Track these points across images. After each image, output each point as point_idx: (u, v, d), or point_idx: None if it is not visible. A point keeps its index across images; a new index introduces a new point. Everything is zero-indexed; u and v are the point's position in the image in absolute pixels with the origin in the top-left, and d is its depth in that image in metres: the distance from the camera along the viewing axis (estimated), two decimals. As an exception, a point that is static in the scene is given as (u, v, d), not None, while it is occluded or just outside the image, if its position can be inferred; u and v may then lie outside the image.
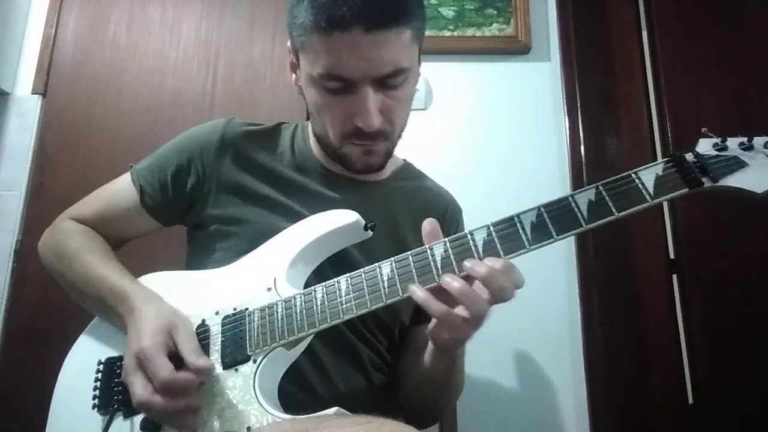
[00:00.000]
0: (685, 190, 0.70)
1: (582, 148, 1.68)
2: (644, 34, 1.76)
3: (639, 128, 1.68)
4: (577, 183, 1.66)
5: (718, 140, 0.73)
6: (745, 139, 0.72)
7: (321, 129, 0.94)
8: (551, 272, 1.63)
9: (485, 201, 1.57)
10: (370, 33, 0.77)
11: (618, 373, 1.53)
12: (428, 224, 0.78)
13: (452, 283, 0.71)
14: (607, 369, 1.53)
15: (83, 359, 0.90)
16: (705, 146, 0.74)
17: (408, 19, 0.81)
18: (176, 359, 0.76)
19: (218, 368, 0.79)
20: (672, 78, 1.68)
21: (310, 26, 0.80)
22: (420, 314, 1.03)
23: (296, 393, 0.83)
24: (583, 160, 1.67)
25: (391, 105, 0.86)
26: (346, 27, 0.77)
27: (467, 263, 0.71)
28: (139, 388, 0.74)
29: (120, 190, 1.03)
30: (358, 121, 0.85)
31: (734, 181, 0.70)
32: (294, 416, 0.71)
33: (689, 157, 0.72)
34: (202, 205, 0.99)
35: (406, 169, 1.13)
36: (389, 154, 0.96)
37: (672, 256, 1.60)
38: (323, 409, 0.69)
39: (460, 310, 0.71)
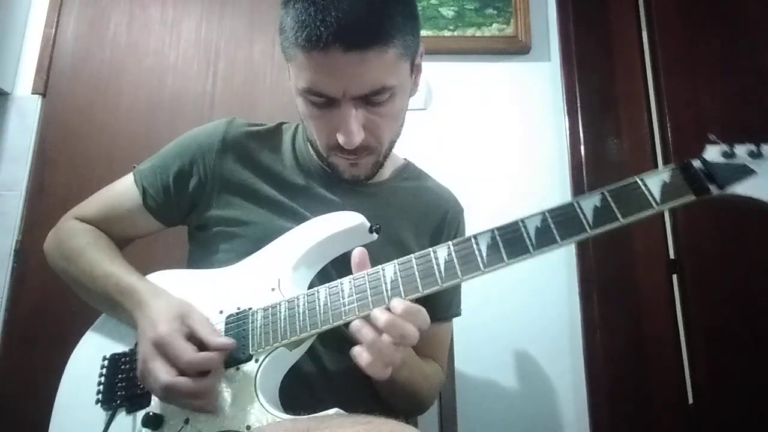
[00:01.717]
0: (692, 198, 0.70)
1: (582, 148, 1.68)
2: (644, 34, 1.76)
3: (639, 128, 1.68)
4: (577, 183, 1.66)
5: (725, 147, 0.72)
6: (753, 147, 0.70)
7: (310, 136, 0.95)
8: (551, 273, 1.64)
9: (485, 201, 1.58)
10: (348, 53, 0.76)
11: (618, 373, 1.53)
12: (357, 255, 0.79)
13: (362, 329, 0.72)
14: (607, 369, 1.53)
15: (88, 355, 0.91)
16: (712, 153, 0.72)
17: (390, 37, 0.79)
18: (193, 344, 0.77)
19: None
20: (672, 78, 1.68)
21: (293, 41, 0.80)
22: None
23: (298, 393, 0.83)
24: (583, 160, 1.67)
25: (376, 121, 0.86)
26: (325, 46, 0.76)
27: (374, 312, 0.72)
28: (163, 373, 0.74)
29: (123, 191, 1.04)
30: (339, 137, 0.85)
31: (742, 188, 0.69)
32: (295, 416, 0.71)
33: (696, 163, 0.71)
34: (204, 206, 1.00)
35: (407, 169, 1.12)
36: (378, 165, 0.96)
37: (672, 256, 1.60)
38: (324, 410, 0.69)
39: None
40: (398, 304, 0.72)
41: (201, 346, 0.76)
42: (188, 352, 0.74)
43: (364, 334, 0.71)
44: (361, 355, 0.72)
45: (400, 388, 0.89)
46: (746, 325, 1.50)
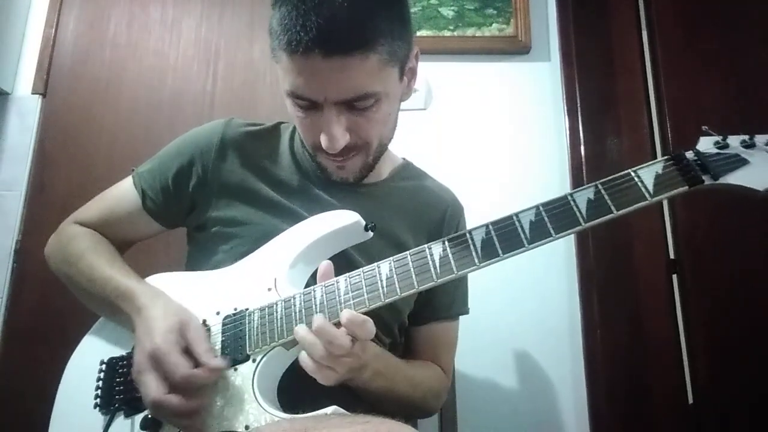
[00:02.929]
0: (685, 188, 0.70)
1: (582, 148, 1.68)
2: (644, 34, 1.76)
3: (639, 128, 1.68)
4: (577, 183, 1.66)
5: (719, 138, 0.73)
6: (746, 137, 0.71)
7: (301, 136, 0.96)
8: (551, 272, 1.63)
9: (485, 201, 1.58)
10: (328, 58, 0.76)
11: (618, 373, 1.53)
12: (322, 267, 0.80)
13: (299, 332, 0.74)
14: (607, 369, 1.53)
15: (86, 359, 0.91)
16: (706, 144, 0.73)
17: (373, 44, 0.78)
18: (188, 358, 0.76)
19: None
20: (672, 78, 1.68)
21: (277, 44, 0.80)
22: (419, 315, 1.03)
23: (296, 392, 0.83)
24: (583, 160, 1.67)
25: (362, 124, 0.86)
26: (305, 51, 0.76)
27: (313, 317, 0.75)
28: (153, 387, 0.74)
29: (122, 194, 1.04)
30: (322, 140, 0.85)
31: (735, 178, 0.69)
32: (293, 415, 0.71)
33: (690, 155, 0.72)
34: (203, 207, 1.00)
35: (406, 168, 1.12)
36: (367, 166, 0.95)
37: (672, 256, 1.60)
38: (322, 408, 0.69)
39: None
40: (345, 313, 0.73)
41: (196, 360, 0.76)
42: (182, 368, 0.74)
43: (302, 337, 0.73)
44: (303, 359, 0.74)
45: (382, 397, 0.88)
46: (746, 325, 1.50)
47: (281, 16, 0.78)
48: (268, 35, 0.84)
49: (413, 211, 1.04)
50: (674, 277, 1.59)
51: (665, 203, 1.60)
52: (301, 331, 0.74)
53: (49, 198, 1.71)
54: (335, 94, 0.81)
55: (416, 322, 1.04)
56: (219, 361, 0.77)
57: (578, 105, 1.71)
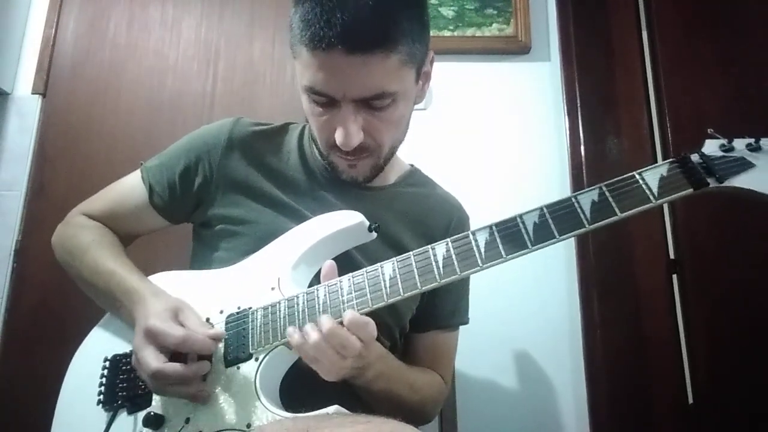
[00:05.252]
0: (689, 191, 0.70)
1: (582, 148, 1.68)
2: (644, 34, 1.76)
3: (639, 128, 1.68)
4: (577, 183, 1.66)
5: (724, 141, 0.72)
6: (752, 140, 0.71)
7: (313, 134, 0.96)
8: (551, 273, 1.64)
9: (485, 201, 1.58)
10: (350, 55, 0.77)
11: (618, 373, 1.53)
12: (326, 267, 0.81)
13: (297, 336, 0.74)
14: (607, 369, 1.53)
15: (90, 356, 0.92)
16: (711, 147, 0.73)
17: (394, 43, 0.79)
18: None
19: (221, 366, 0.80)
20: (672, 78, 1.68)
21: (299, 39, 0.81)
22: (420, 322, 1.03)
23: (298, 391, 0.83)
24: (583, 160, 1.67)
25: (376, 124, 0.86)
26: (328, 47, 0.77)
27: (321, 319, 0.74)
28: (152, 359, 0.76)
29: (130, 188, 1.05)
30: (336, 137, 0.85)
31: (740, 181, 0.69)
32: (295, 414, 0.71)
33: (695, 157, 0.72)
34: (208, 204, 1.00)
35: (413, 175, 1.12)
36: (377, 168, 0.96)
37: (672, 256, 1.60)
38: (324, 407, 0.69)
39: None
40: (348, 314, 0.73)
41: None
42: (178, 332, 0.77)
43: (311, 337, 0.73)
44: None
45: (382, 398, 0.88)
46: (746, 325, 1.50)
47: (304, 12, 0.79)
48: (288, 30, 0.85)
49: (417, 217, 1.04)
50: (674, 277, 1.59)
51: (666, 203, 1.60)
52: (312, 333, 0.73)
53: (49, 198, 1.71)
54: (354, 91, 0.81)
55: (417, 329, 1.04)
56: (214, 331, 0.79)
57: (578, 105, 1.71)
